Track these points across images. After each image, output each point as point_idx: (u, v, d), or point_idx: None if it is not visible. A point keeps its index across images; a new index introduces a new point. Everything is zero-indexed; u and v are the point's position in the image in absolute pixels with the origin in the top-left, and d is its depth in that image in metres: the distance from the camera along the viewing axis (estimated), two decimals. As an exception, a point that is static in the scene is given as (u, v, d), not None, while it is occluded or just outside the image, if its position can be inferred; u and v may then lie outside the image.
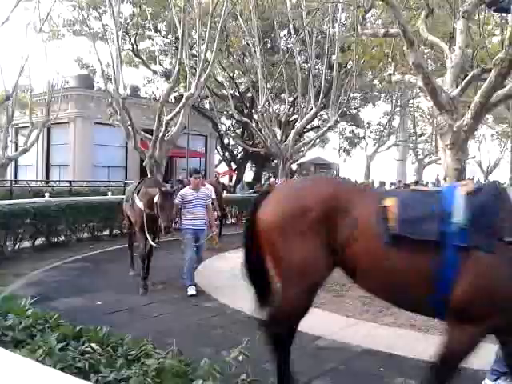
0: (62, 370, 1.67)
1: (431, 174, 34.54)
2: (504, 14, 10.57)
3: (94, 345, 1.92)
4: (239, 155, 33.61)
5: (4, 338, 1.95)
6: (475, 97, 8.39)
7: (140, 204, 7.00)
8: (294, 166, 29.82)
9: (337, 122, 21.95)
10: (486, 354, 4.47)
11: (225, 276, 7.78)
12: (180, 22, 13.23)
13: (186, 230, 7.08)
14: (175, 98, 22.03)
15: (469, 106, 8.61)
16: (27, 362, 1.57)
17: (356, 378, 4.05)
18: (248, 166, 34.12)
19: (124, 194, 16.86)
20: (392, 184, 21.35)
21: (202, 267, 8.10)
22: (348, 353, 4.53)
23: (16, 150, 23.19)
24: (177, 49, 15.35)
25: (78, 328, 2.10)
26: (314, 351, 4.42)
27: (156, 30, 23.80)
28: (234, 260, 8.17)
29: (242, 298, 5.44)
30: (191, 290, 6.85)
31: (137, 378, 1.65)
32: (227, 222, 15.83)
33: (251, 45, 18.12)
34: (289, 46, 23.05)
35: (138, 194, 7.19)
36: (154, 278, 7.60)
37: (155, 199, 6.61)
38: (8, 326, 2.06)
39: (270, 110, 19.46)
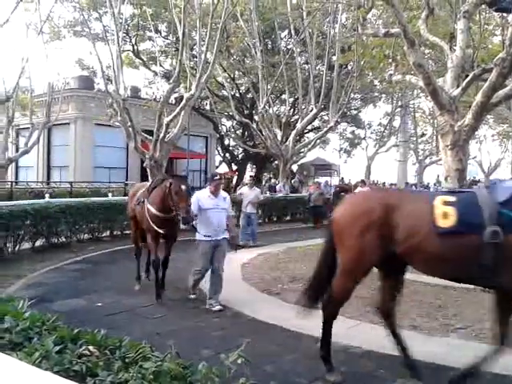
0: (58, 373, 1.65)
1: (432, 175, 34.55)
2: (505, 14, 10.57)
3: (91, 347, 1.90)
4: (240, 156, 33.63)
5: (0, 341, 1.93)
6: (476, 97, 8.38)
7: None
8: (295, 167, 29.82)
9: (337, 122, 21.94)
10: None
11: (225, 278, 7.74)
12: (180, 23, 13.23)
13: None
14: (176, 99, 22.05)
15: (469, 106, 8.60)
16: (23, 366, 1.55)
17: (356, 379, 4.03)
18: (248, 166, 34.12)
19: (126, 195, 16.89)
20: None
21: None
22: (348, 354, 4.51)
23: (17, 151, 23.24)
24: (177, 50, 15.34)
25: (75, 331, 2.08)
26: (315, 353, 4.39)
27: (156, 31, 23.84)
28: (235, 261, 8.15)
29: (242, 300, 5.42)
30: None
31: (134, 382, 1.63)
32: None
33: (251, 46, 18.12)
34: (289, 46, 23.07)
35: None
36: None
37: None
38: (5, 329, 2.04)
39: (271, 110, 19.48)
